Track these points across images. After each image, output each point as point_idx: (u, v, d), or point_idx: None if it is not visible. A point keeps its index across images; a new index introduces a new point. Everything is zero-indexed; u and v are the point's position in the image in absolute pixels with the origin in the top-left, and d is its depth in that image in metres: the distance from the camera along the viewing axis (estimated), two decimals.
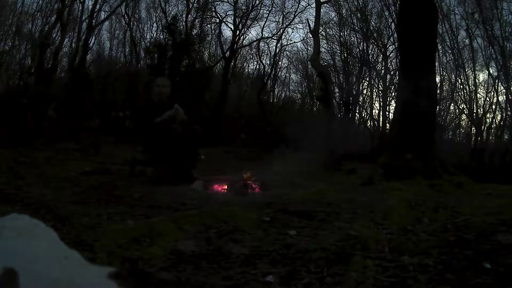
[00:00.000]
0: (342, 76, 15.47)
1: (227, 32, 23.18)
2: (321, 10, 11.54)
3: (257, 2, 15.43)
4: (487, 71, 13.37)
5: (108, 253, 1.50)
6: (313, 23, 10.99)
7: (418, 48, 4.15)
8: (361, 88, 15.52)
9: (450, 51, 13.51)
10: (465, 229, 1.84)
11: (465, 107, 13.73)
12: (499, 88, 13.01)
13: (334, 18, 15.39)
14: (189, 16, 14.86)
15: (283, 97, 19.20)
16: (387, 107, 14.19)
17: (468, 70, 13.49)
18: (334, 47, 15.75)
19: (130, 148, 5.10)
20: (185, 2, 14.87)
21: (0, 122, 7.85)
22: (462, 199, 2.78)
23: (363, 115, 16.02)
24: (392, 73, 14.20)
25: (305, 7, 15.48)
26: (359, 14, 14.79)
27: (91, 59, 15.43)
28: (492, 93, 13.26)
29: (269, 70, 17.02)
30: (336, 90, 15.26)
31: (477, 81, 13.41)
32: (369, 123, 15.86)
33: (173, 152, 3.83)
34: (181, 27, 14.59)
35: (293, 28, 16.24)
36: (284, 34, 16.22)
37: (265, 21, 15.99)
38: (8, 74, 12.98)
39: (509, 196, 2.86)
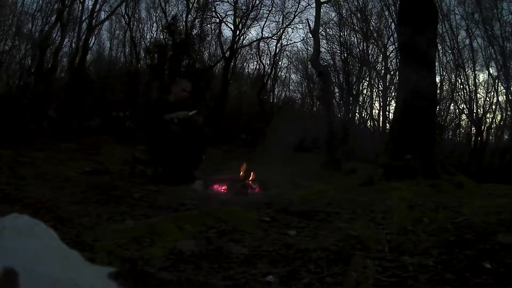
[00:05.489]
0: (342, 76, 15.46)
1: (227, 32, 23.22)
2: (321, 10, 11.54)
3: (257, 2, 15.43)
4: (487, 71, 13.37)
5: (108, 253, 1.49)
6: (313, 23, 10.99)
7: (418, 48, 4.15)
8: (361, 88, 15.53)
9: (450, 51, 13.50)
10: (465, 229, 1.84)
11: (465, 107, 13.72)
12: (499, 88, 13.01)
13: (334, 18, 15.39)
14: (189, 16, 14.85)
15: (283, 97, 19.20)
16: (387, 107, 14.20)
17: (468, 70, 13.48)
18: (334, 47, 15.75)
19: (130, 148, 5.10)
20: (185, 2, 14.86)
21: (0, 122, 7.85)
22: (462, 199, 2.77)
23: (363, 115, 16.02)
24: (392, 73, 14.20)
25: (305, 7, 15.48)
26: (359, 14, 14.79)
27: (91, 59, 15.42)
28: (492, 93, 13.26)
29: (269, 70, 17.02)
30: (336, 90, 15.26)
31: (477, 81, 13.41)
32: (369, 123, 15.87)
33: (174, 152, 3.84)
34: (181, 27, 14.58)
35: (293, 28, 16.19)
36: (284, 34, 16.20)
37: (265, 21, 15.98)
38: (8, 74, 12.97)
39: (509, 196, 2.86)
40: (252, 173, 4.05)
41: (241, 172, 4.06)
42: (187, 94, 4.19)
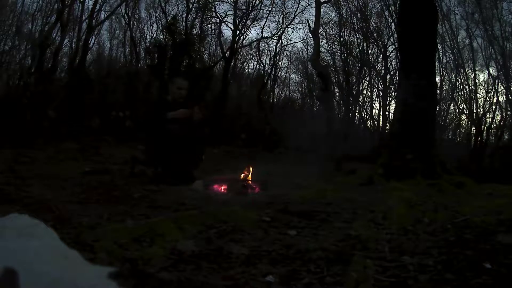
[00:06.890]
0: (342, 76, 15.46)
1: (227, 32, 23.20)
2: (321, 10, 11.55)
3: (257, 2, 15.44)
4: (487, 71, 13.38)
5: (108, 253, 1.49)
6: (313, 23, 11.00)
7: (418, 48, 4.15)
8: (361, 88, 15.54)
9: (450, 51, 13.51)
10: (465, 229, 1.84)
11: (465, 107, 13.73)
12: (499, 88, 13.01)
13: (334, 18, 15.40)
14: (189, 16, 14.86)
15: (283, 97, 19.22)
16: (387, 107, 14.20)
17: (468, 70, 13.49)
18: (334, 47, 15.76)
19: (130, 148, 5.10)
20: (185, 2, 14.86)
21: (0, 122, 7.85)
22: (462, 199, 2.78)
23: (363, 115, 16.04)
24: (392, 73, 14.20)
25: (305, 7, 15.49)
26: (359, 14, 14.80)
27: (91, 59, 15.42)
28: (492, 93, 13.27)
29: (269, 70, 17.04)
30: (336, 90, 15.27)
31: (477, 81, 13.42)
32: (369, 123, 15.88)
33: (174, 152, 3.83)
34: (181, 27, 14.60)
35: (293, 28, 16.21)
36: (284, 34, 16.23)
37: (265, 21, 16.00)
38: (8, 74, 12.97)
39: (509, 196, 2.86)
40: (251, 173, 4.05)
41: (245, 172, 4.05)
42: (184, 92, 4.16)
